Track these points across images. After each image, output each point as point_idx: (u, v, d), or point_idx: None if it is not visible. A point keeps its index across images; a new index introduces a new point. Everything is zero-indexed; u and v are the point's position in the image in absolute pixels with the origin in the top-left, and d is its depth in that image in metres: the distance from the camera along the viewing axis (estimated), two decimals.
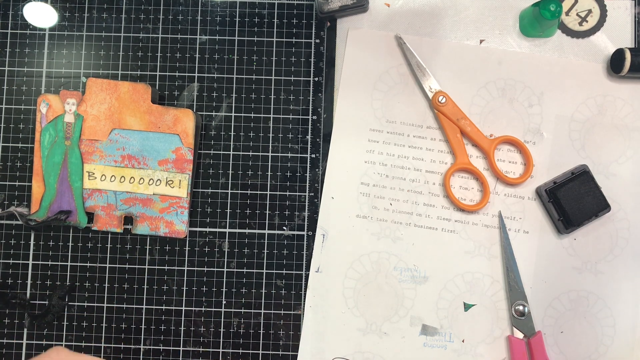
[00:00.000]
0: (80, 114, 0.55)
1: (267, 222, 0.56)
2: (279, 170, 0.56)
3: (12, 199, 0.57)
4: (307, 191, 0.56)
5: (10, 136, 0.57)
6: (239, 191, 0.56)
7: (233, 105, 0.57)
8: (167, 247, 0.56)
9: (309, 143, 0.57)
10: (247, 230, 0.56)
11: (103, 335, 0.55)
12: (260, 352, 0.55)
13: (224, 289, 0.56)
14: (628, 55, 0.53)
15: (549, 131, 0.56)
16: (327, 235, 0.55)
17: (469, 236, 0.55)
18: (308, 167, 0.56)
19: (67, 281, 0.56)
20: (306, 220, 0.56)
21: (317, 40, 0.57)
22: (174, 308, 0.56)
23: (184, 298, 0.56)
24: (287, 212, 0.56)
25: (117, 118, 0.55)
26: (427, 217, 0.55)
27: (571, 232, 0.54)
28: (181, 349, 0.55)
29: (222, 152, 0.56)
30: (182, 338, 0.55)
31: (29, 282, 0.56)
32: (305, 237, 0.56)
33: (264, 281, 0.56)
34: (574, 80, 0.56)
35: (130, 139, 0.55)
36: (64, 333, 0.55)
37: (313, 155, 0.56)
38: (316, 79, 0.57)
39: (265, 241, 0.56)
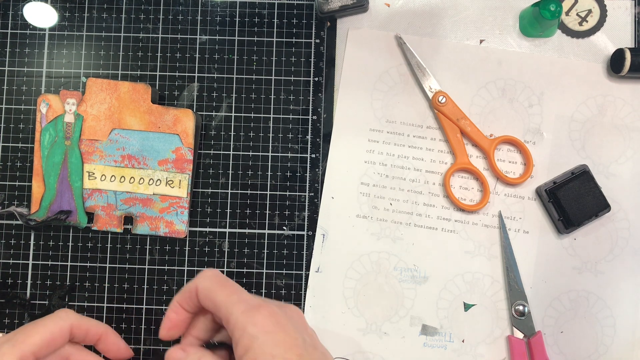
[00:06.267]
0: (80, 114, 0.55)
1: (267, 222, 0.56)
2: (279, 170, 0.56)
3: (12, 199, 0.57)
4: (307, 191, 0.56)
5: (10, 136, 0.57)
6: (239, 191, 0.56)
7: (233, 105, 0.57)
8: (167, 247, 0.56)
9: (309, 143, 0.57)
10: (247, 230, 0.56)
11: None
12: None
13: None
14: (628, 55, 0.53)
15: (549, 131, 0.56)
16: (327, 235, 0.55)
17: (469, 236, 0.55)
18: (308, 167, 0.56)
19: (67, 281, 0.56)
20: (306, 220, 0.56)
21: (317, 40, 0.57)
22: None
23: None
24: (287, 212, 0.56)
25: (117, 118, 0.55)
26: (427, 217, 0.55)
27: (571, 232, 0.54)
28: None
29: (222, 152, 0.56)
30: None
31: (29, 282, 0.56)
32: (305, 237, 0.56)
33: (264, 281, 0.56)
34: (574, 80, 0.56)
35: (130, 139, 0.55)
36: None
37: (313, 155, 0.56)
38: (316, 79, 0.57)
39: (265, 241, 0.56)
